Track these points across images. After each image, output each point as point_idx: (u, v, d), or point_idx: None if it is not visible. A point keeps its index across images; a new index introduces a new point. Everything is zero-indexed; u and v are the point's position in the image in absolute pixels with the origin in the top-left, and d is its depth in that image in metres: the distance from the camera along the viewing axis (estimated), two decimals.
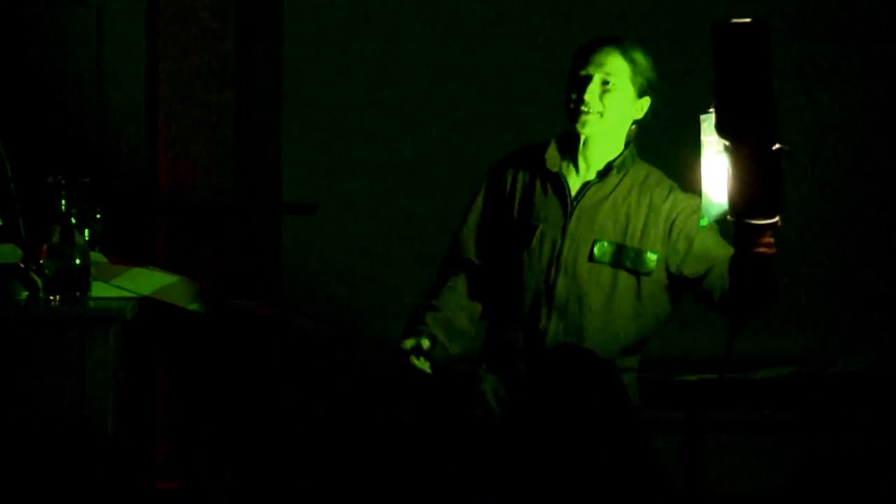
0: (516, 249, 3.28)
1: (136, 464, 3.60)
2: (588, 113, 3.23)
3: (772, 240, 2.90)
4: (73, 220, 3.13)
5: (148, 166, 4.35)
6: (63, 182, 3.13)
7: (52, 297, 3.09)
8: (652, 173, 3.32)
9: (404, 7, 4.49)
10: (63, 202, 3.14)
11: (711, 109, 2.85)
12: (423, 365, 3.25)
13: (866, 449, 4.14)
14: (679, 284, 3.26)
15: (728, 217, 2.87)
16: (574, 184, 3.29)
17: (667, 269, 3.25)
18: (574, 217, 3.26)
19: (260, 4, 4.44)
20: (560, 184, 3.29)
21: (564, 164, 3.31)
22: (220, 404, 4.38)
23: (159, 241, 4.34)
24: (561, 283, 3.23)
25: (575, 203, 3.27)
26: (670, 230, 3.24)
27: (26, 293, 3.17)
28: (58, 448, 2.99)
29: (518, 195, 3.33)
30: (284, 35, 4.45)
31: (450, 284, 3.38)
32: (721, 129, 2.81)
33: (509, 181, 3.36)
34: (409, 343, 3.26)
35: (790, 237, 4.41)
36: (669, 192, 3.28)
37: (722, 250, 3.16)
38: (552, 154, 3.31)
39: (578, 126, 3.25)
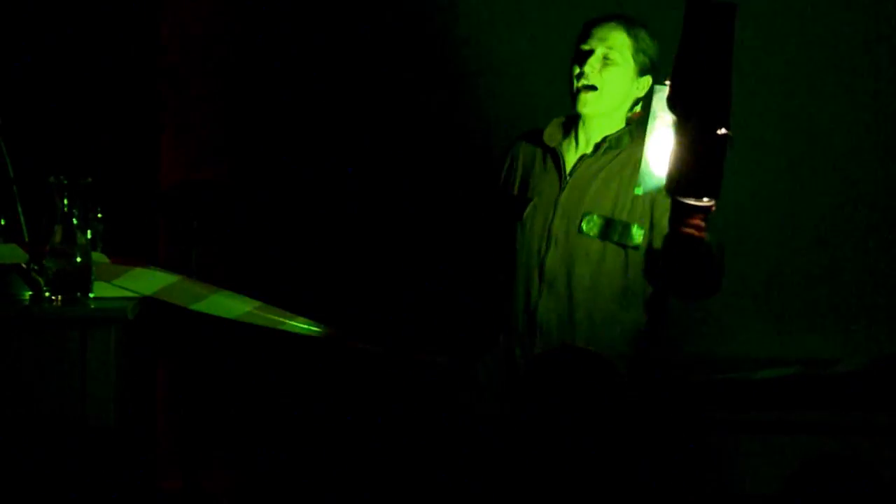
0: (510, 223, 3.31)
1: (139, 464, 3.60)
2: (587, 88, 3.25)
3: (702, 224, 2.87)
4: (75, 221, 3.13)
5: (150, 166, 4.35)
6: (65, 182, 3.13)
7: (53, 298, 3.10)
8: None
9: (407, 7, 4.49)
10: (65, 202, 3.14)
11: (668, 82, 2.85)
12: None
13: (866, 449, 4.14)
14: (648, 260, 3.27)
15: (665, 192, 2.87)
16: (570, 159, 3.32)
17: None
18: (566, 190, 3.28)
19: (262, 3, 4.44)
20: (557, 158, 3.32)
21: (565, 142, 3.34)
22: (222, 404, 4.38)
23: (161, 240, 4.35)
24: (551, 256, 3.25)
25: (569, 177, 3.29)
26: (654, 204, 3.25)
27: (28, 293, 3.17)
28: (60, 448, 2.99)
29: (519, 172, 3.38)
30: (286, 36, 4.46)
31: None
32: (673, 104, 2.81)
33: (509, 161, 3.41)
34: None
35: (792, 235, 4.45)
36: None
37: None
38: (552, 130, 3.34)
39: (579, 104, 3.27)
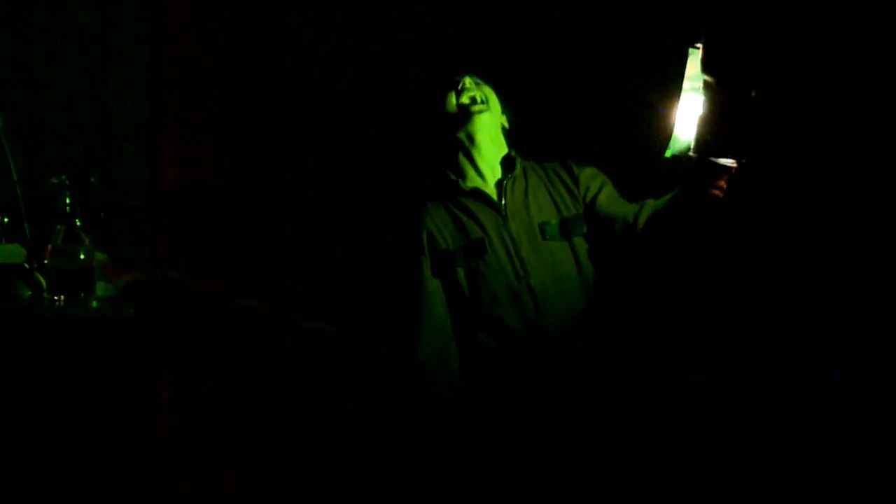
0: (470, 267, 3.29)
1: (140, 464, 3.61)
2: (476, 103, 3.30)
3: (724, 185, 2.92)
4: (78, 221, 3.14)
5: (152, 167, 4.36)
6: (67, 182, 3.15)
7: (56, 297, 3.11)
8: (536, 164, 3.41)
9: (409, 10, 4.50)
10: (67, 202, 3.15)
11: (699, 45, 2.85)
12: None
13: (865, 448, 4.16)
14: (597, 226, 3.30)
15: (690, 153, 2.88)
16: (490, 191, 3.33)
17: (587, 208, 3.31)
18: (509, 217, 3.30)
19: (263, 8, 4.45)
20: (481, 195, 3.33)
21: (470, 182, 3.34)
22: (224, 404, 4.39)
23: (163, 240, 4.35)
24: (535, 277, 3.26)
25: (503, 205, 3.31)
26: (579, 181, 3.35)
27: (30, 293, 3.18)
28: (61, 449, 3.00)
29: (444, 227, 3.34)
30: (287, 37, 4.47)
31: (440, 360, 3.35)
32: (707, 65, 2.81)
33: (427, 224, 3.36)
34: None
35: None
36: (560, 161, 3.40)
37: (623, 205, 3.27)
38: (456, 178, 3.34)
39: (474, 121, 3.30)
